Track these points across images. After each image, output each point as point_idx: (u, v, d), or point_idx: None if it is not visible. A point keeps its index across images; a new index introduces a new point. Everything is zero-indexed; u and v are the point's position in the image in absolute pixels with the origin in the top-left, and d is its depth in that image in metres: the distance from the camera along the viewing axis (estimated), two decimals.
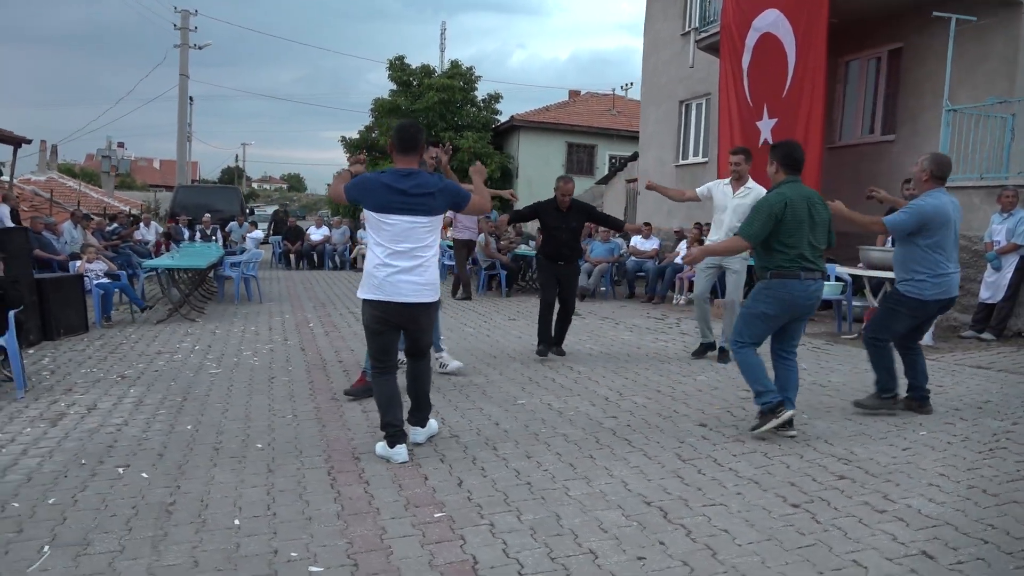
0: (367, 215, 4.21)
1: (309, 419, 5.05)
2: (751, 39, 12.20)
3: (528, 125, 30.99)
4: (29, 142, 16.73)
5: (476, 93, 33.20)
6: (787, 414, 4.52)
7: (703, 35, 14.31)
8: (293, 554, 3.09)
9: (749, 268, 7.09)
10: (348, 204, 4.51)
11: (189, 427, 4.84)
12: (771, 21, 11.65)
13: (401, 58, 33.30)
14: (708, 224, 13.29)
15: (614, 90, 36.24)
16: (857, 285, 9.04)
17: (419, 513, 3.49)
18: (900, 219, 5.00)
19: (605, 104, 34.97)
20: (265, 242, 18.55)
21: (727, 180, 7.27)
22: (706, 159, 16.45)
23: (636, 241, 13.88)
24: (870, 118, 12.23)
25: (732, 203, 7.10)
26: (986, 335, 8.49)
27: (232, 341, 8.01)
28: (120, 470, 4.04)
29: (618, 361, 7.14)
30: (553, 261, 7.34)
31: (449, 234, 13.68)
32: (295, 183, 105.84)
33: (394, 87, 33.06)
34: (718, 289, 8.57)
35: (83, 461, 4.18)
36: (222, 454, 4.32)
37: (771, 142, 11.51)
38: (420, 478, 3.95)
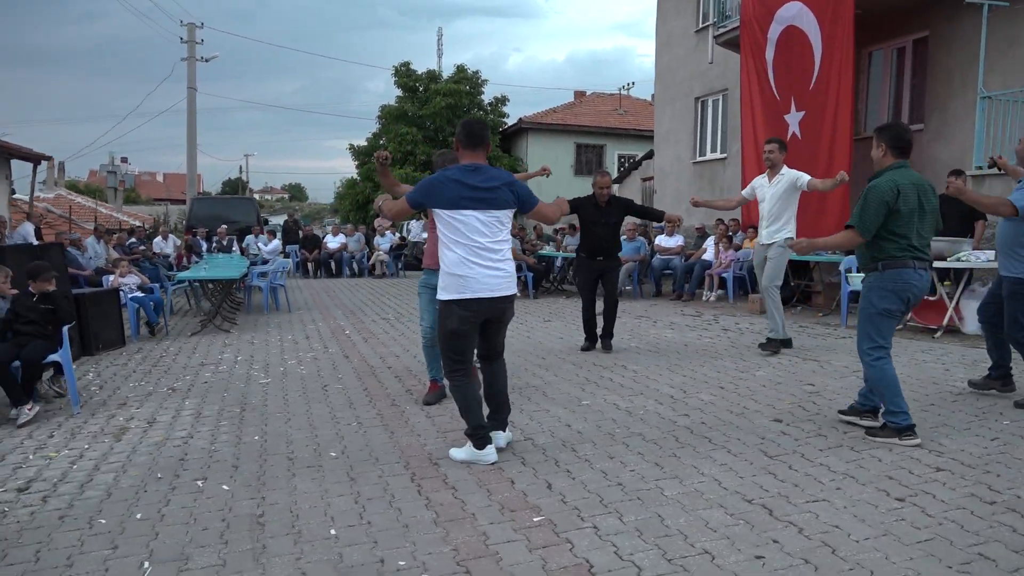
0: (438, 215, 4.11)
1: (375, 426, 4.97)
2: (774, 32, 12.12)
3: (536, 127, 30.92)
4: (49, 159, 16.71)
5: (483, 97, 33.22)
6: (913, 441, 4.25)
7: (722, 30, 14.23)
8: (401, 563, 3.01)
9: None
10: (415, 213, 4.42)
11: (256, 438, 4.77)
12: (794, 13, 11.57)
13: (407, 64, 33.27)
14: (734, 220, 13.27)
15: (620, 89, 36.16)
16: None
17: (517, 517, 3.42)
18: (1019, 199, 4.86)
19: (612, 104, 34.88)
20: (283, 252, 18.45)
21: (765, 174, 7.37)
22: (725, 155, 16.38)
23: (661, 239, 13.81)
24: (895, 107, 12.14)
25: (769, 192, 7.21)
26: None
27: (272, 351, 7.94)
28: (199, 483, 3.97)
29: (669, 359, 7.06)
30: (592, 257, 7.53)
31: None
32: (296, 192, 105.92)
33: (400, 93, 33.06)
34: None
35: (159, 475, 4.11)
36: (297, 464, 4.25)
37: (799, 135, 11.45)
38: (506, 482, 3.87)
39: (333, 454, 4.41)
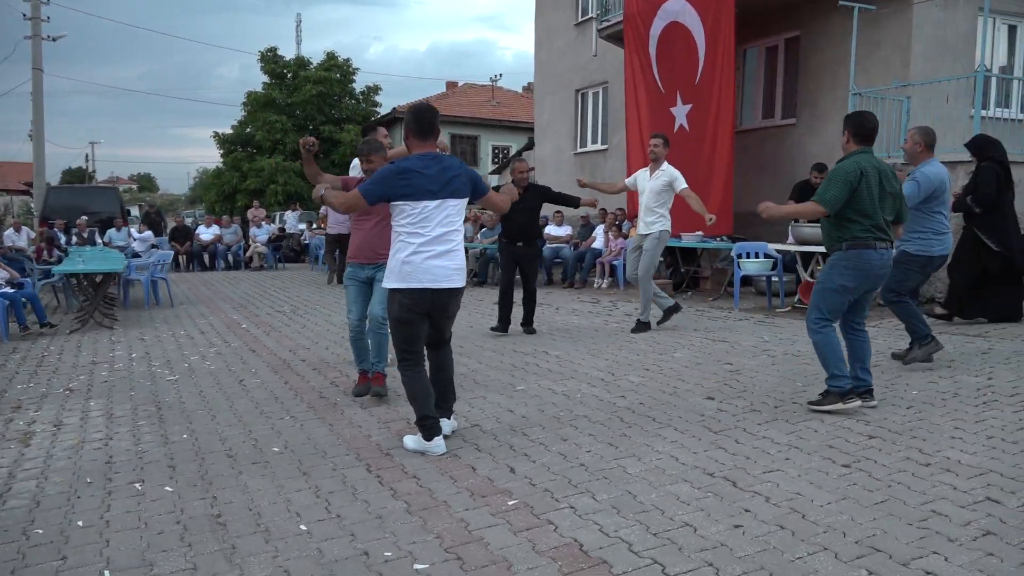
0: (396, 205, 4.03)
1: (310, 420, 4.80)
2: (656, 27, 12.52)
3: None
4: None
5: (354, 85, 32.61)
6: (855, 403, 4.56)
7: (605, 24, 14.56)
8: (387, 554, 2.93)
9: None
10: (370, 207, 4.26)
11: (184, 436, 4.50)
12: (678, 9, 12.00)
13: (274, 50, 32.25)
14: (620, 208, 13.64)
15: (491, 80, 36.40)
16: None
17: (491, 502, 3.40)
18: (913, 189, 5.33)
19: (484, 95, 35.03)
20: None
21: (648, 167, 7.71)
22: (606, 146, 16.81)
23: (551, 228, 14.01)
24: (769, 103, 12.85)
25: (648, 185, 7.56)
26: None
27: (169, 347, 7.50)
28: (137, 486, 3.71)
29: (586, 343, 7.19)
30: (513, 242, 7.69)
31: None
32: (146, 183, 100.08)
33: (267, 80, 31.93)
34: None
35: (88, 479, 3.81)
36: (240, 461, 4.04)
37: (687, 127, 11.91)
38: (467, 469, 3.84)
39: (276, 449, 4.23)
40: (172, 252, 12.35)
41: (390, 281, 4.08)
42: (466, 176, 4.11)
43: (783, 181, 11.80)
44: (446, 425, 4.33)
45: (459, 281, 4.11)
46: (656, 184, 7.56)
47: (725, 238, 10.83)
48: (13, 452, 4.28)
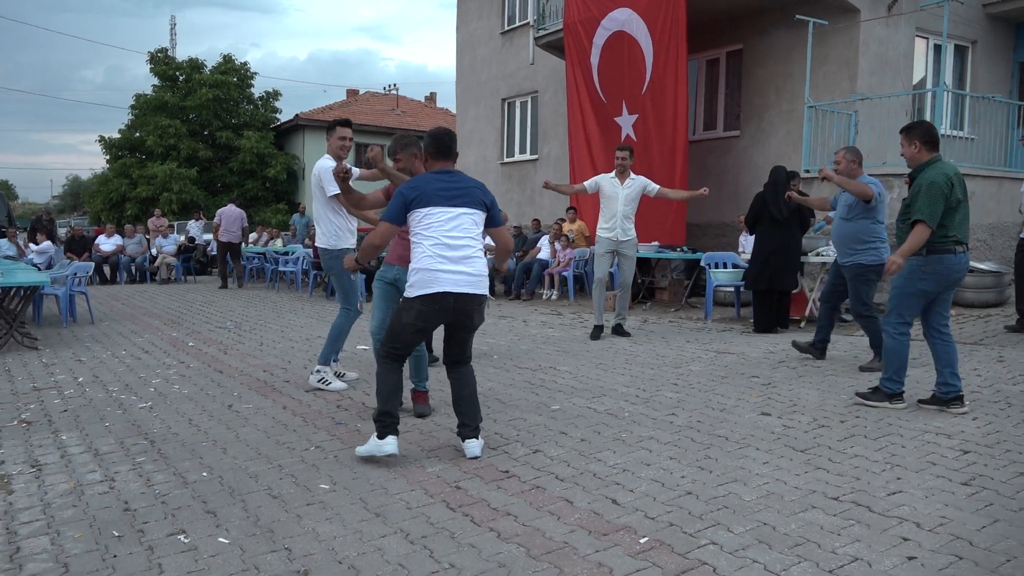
0: (413, 215, 3.97)
1: (343, 450, 4.25)
2: (601, 37, 12.41)
3: (313, 124, 29.59)
4: None
5: (252, 90, 31.26)
6: (901, 406, 4.79)
7: (542, 32, 14.36)
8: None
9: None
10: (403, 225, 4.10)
11: (205, 475, 3.87)
12: (624, 19, 11.92)
13: (164, 50, 30.56)
14: (560, 219, 13.40)
15: (387, 89, 35.91)
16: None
17: (619, 541, 3.00)
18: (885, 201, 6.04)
19: (387, 104, 34.44)
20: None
21: (612, 174, 7.88)
22: (536, 156, 16.59)
23: (488, 240, 13.60)
24: (711, 115, 12.95)
25: (622, 193, 7.77)
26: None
27: (117, 369, 6.67)
28: (182, 538, 3.10)
29: (585, 358, 6.85)
30: None
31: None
32: (4, 191, 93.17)
33: (157, 82, 30.15)
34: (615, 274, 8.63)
35: (115, 532, 3.16)
36: (291, 502, 3.48)
37: (633, 137, 11.81)
38: (562, 502, 3.42)
39: (325, 486, 3.67)
40: (92, 264, 11.16)
41: (411, 290, 3.94)
42: (483, 194, 4.10)
43: (726, 192, 11.90)
44: (474, 445, 4.07)
45: (481, 288, 4.00)
46: (631, 192, 7.82)
47: (685, 248, 10.76)
48: None
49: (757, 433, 4.36)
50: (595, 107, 12.72)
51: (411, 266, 3.97)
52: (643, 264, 11.38)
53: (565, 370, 6.31)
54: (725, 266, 9.34)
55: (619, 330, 8.05)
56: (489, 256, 7.73)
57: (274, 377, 6.23)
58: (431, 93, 38.50)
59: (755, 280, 7.95)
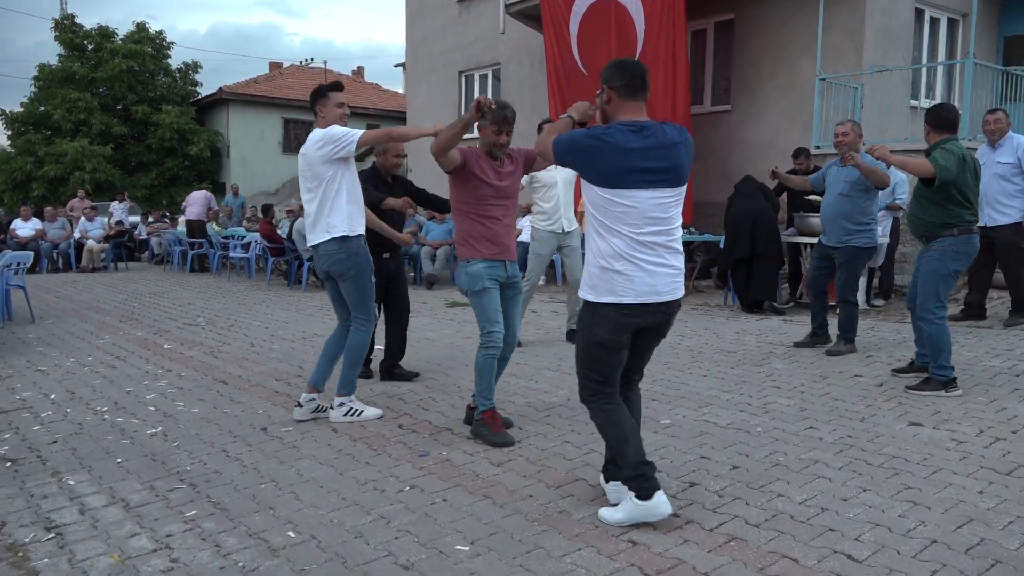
0: (588, 191, 2.96)
1: (422, 478, 3.43)
2: (580, 4, 11.64)
3: (239, 98, 27.84)
4: None
5: (169, 61, 29.18)
6: (956, 392, 4.63)
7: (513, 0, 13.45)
8: None
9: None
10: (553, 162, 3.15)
11: (292, 535, 2.99)
12: None
13: (71, 17, 28.08)
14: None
15: (303, 62, 34.23)
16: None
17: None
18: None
19: (315, 78, 32.61)
20: None
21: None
22: None
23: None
24: (698, 89, 12.36)
25: (561, 175, 6.34)
26: (876, 302, 8.61)
27: (93, 381, 5.60)
28: None
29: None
30: (378, 254, 5.17)
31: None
32: None
33: (62, 52, 27.74)
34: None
35: None
36: (419, 566, 2.65)
37: None
38: (732, 540, 2.71)
39: (463, 548, 2.85)
40: (31, 253, 9.72)
41: (598, 293, 2.96)
42: (685, 146, 2.95)
43: (716, 170, 11.32)
44: (618, 489, 3.13)
45: (679, 291, 3.03)
46: (569, 174, 6.33)
47: (692, 229, 10.16)
48: None
49: (936, 452, 3.72)
50: (572, 80, 11.97)
51: (592, 261, 2.99)
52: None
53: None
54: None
55: (572, 336, 6.39)
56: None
57: (292, 388, 5.29)
58: (358, 67, 36.96)
59: (731, 248, 7.95)
